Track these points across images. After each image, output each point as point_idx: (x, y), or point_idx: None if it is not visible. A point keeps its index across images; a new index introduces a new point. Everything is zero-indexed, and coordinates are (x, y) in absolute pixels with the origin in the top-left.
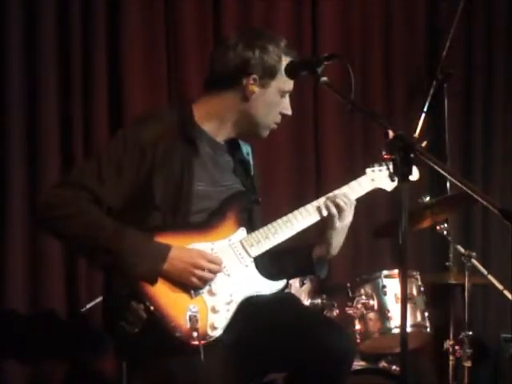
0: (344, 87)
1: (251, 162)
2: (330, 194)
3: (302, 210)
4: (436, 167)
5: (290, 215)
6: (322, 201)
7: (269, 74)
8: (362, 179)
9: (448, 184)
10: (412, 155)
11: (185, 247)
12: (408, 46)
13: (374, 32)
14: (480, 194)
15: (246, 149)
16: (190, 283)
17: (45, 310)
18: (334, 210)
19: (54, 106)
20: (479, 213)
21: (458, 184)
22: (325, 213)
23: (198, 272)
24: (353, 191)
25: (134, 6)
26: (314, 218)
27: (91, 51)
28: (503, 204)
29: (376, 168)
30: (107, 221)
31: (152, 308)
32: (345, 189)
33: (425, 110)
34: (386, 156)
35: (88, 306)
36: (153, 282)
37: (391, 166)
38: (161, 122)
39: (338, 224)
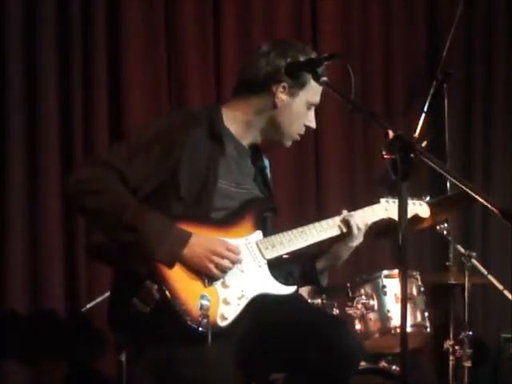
0: (344, 87)
1: (269, 175)
2: (351, 213)
3: (317, 224)
4: (436, 167)
5: (305, 227)
6: (339, 219)
7: (298, 84)
8: (376, 207)
9: (448, 184)
10: (412, 155)
11: (206, 236)
12: (408, 46)
13: (374, 32)
14: (480, 194)
15: (266, 162)
16: (207, 270)
17: (45, 309)
18: (350, 230)
19: (54, 106)
20: (479, 213)
21: (458, 184)
22: (342, 231)
23: (217, 259)
24: (367, 216)
25: (133, 6)
26: (329, 233)
27: (91, 51)
28: (503, 204)
29: (390, 200)
30: (133, 200)
31: (165, 289)
32: (359, 212)
33: (425, 110)
34: (386, 156)
35: (88, 305)
36: (171, 265)
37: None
38: (192, 118)
39: (350, 243)
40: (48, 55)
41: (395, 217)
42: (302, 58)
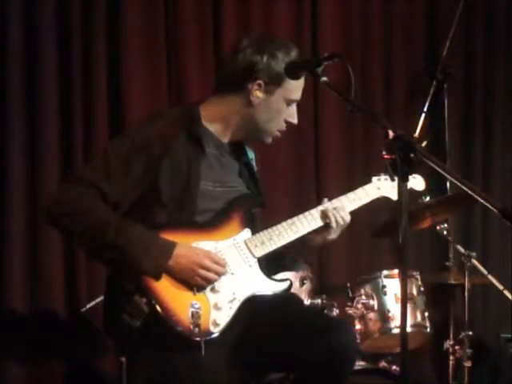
0: (344, 87)
1: (255, 167)
2: (337, 204)
3: (306, 213)
4: (436, 167)
5: (294, 218)
6: (327, 208)
7: (275, 81)
8: (368, 187)
9: (448, 184)
10: (412, 155)
11: (191, 245)
12: (408, 46)
13: (374, 32)
14: (480, 194)
15: (250, 154)
16: (193, 282)
17: (45, 309)
18: (334, 224)
19: (54, 106)
20: (479, 213)
21: (458, 184)
22: (327, 221)
23: (202, 272)
24: (359, 198)
25: (134, 6)
26: (319, 222)
27: (91, 51)
28: (503, 204)
29: (382, 177)
30: (114, 217)
31: (154, 302)
32: (351, 195)
33: (425, 109)
34: (385, 156)
35: (88, 305)
36: (157, 277)
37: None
38: (168, 120)
39: (330, 236)
40: (48, 55)
41: (388, 194)
42: (279, 55)
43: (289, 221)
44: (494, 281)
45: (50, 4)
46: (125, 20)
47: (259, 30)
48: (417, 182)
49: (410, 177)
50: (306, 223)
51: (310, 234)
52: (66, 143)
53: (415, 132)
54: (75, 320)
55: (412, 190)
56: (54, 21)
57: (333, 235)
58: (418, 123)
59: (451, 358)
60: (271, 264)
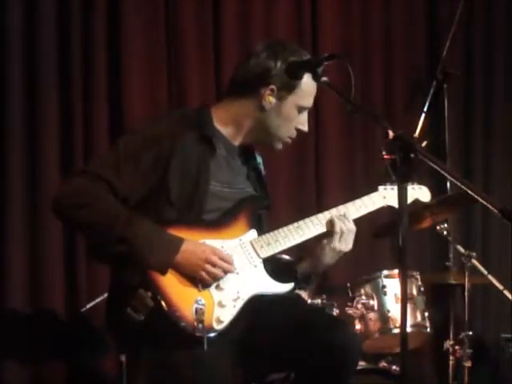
0: (344, 87)
1: (263, 172)
2: (343, 211)
3: (313, 218)
4: (436, 167)
5: (301, 222)
6: (333, 214)
7: (287, 87)
8: (374, 195)
9: (448, 184)
10: (412, 155)
11: (198, 242)
12: (408, 46)
13: (374, 32)
14: (480, 194)
15: (258, 158)
16: (199, 277)
17: (45, 309)
18: (338, 229)
19: (54, 107)
20: (479, 213)
21: (458, 184)
22: (332, 228)
23: (209, 267)
24: (365, 206)
25: (134, 6)
26: (325, 227)
27: (91, 52)
28: (503, 204)
29: (388, 187)
30: (122, 210)
31: (159, 297)
32: (357, 203)
33: (425, 110)
34: (385, 156)
35: (88, 305)
36: (163, 272)
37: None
38: (179, 120)
39: (337, 245)
40: (48, 55)
41: (394, 204)
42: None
43: (295, 224)
44: (494, 281)
45: (50, 4)
46: (125, 20)
47: (259, 30)
48: (423, 193)
49: (417, 187)
50: (312, 227)
51: (317, 239)
52: (66, 143)
53: (415, 132)
54: (75, 320)
55: (418, 201)
56: (54, 21)
57: (344, 246)
58: (418, 123)
59: (451, 358)
60: (283, 275)
